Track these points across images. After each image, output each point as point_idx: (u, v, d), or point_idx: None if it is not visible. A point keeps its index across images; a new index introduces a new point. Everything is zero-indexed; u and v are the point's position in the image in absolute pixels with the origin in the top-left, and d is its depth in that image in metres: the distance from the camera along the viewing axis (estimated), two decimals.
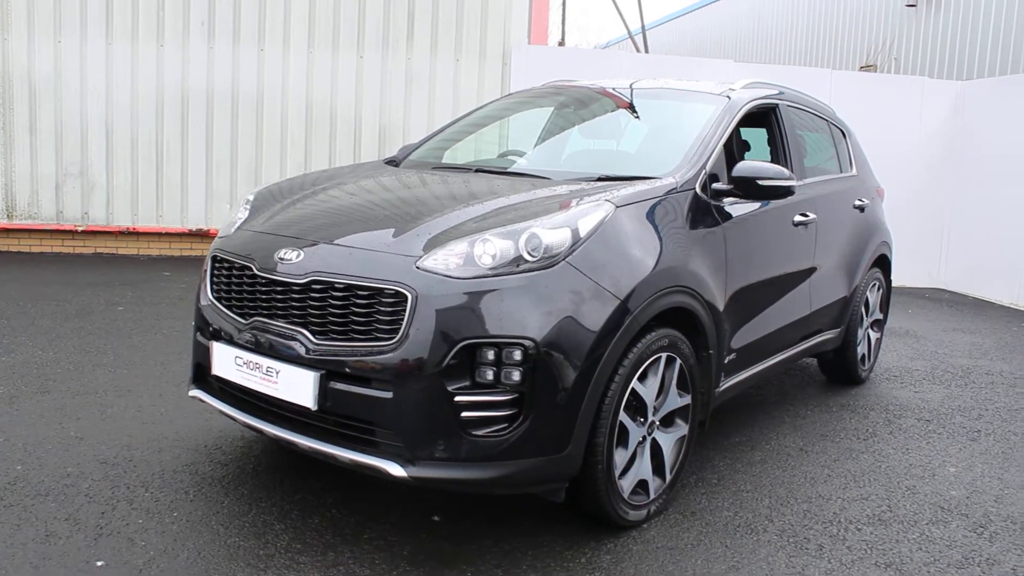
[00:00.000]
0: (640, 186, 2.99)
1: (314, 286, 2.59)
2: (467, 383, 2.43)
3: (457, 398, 2.41)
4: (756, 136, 4.20)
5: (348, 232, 2.77)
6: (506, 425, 2.45)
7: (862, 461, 3.68)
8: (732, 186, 3.27)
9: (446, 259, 2.51)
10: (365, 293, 2.51)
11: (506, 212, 2.75)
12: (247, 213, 3.23)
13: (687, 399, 3.04)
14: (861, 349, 4.85)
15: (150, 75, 8.10)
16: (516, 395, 2.44)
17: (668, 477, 3.01)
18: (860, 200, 4.67)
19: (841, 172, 4.67)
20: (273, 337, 2.66)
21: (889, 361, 5.62)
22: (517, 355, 2.43)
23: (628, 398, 2.73)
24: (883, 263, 5.00)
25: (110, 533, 2.67)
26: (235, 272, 2.86)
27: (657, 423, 2.92)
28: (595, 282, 2.57)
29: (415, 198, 3.11)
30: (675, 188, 3.07)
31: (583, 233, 2.63)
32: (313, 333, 2.58)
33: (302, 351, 2.57)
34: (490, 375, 2.43)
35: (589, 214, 2.69)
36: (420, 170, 3.64)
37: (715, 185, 3.24)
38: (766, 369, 3.78)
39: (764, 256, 3.58)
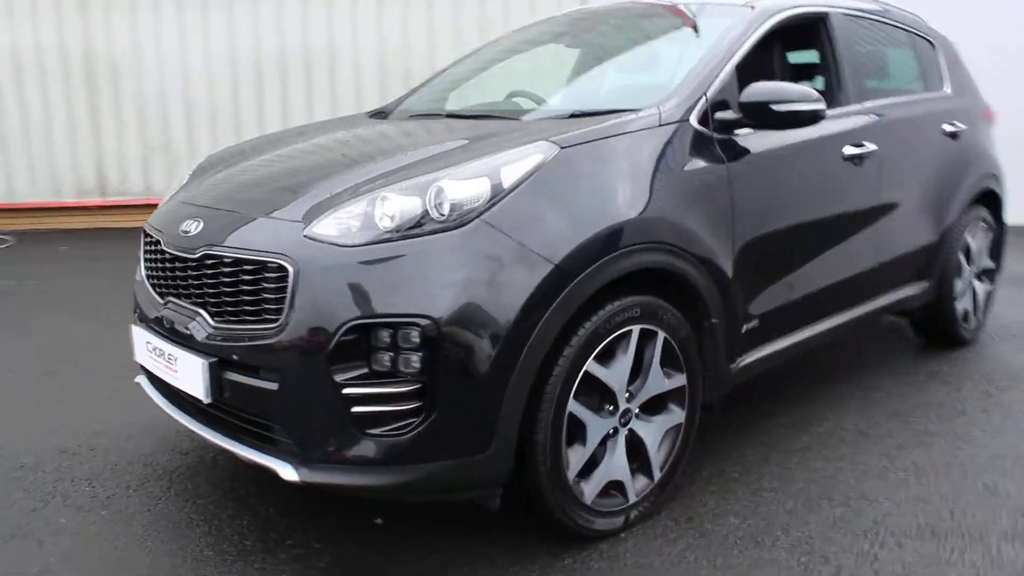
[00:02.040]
0: (608, 121, 2.44)
1: (206, 261, 2.24)
2: (362, 372, 2.01)
3: (346, 390, 2.00)
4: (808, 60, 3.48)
5: (253, 199, 2.40)
6: (407, 422, 2.02)
7: (935, 449, 2.98)
8: (741, 114, 2.64)
9: (339, 223, 2.09)
10: (251, 268, 2.14)
11: (428, 163, 2.28)
12: (186, 180, 2.93)
13: (680, 379, 2.49)
14: (963, 304, 4.03)
15: (222, 42, 8.05)
16: (416, 386, 2.00)
17: (657, 475, 2.48)
18: (953, 125, 3.82)
19: (927, 92, 3.83)
20: (176, 319, 2.34)
21: (1010, 316, 4.70)
22: (414, 337, 1.98)
23: (583, 383, 2.22)
24: (990, 200, 4.12)
25: (24, 535, 2.46)
26: (153, 247, 2.56)
27: (635, 411, 2.39)
28: (519, 243, 2.07)
29: (347, 156, 2.68)
30: (655, 122, 2.48)
31: (507, 183, 2.12)
32: (211, 315, 2.24)
33: (201, 335, 2.23)
34: (387, 362, 2.00)
35: (517, 160, 2.18)
36: (397, 121, 3.22)
37: (720, 115, 2.63)
38: (816, 336, 3.12)
39: (795, 198, 2.91)
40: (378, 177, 2.25)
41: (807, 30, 3.28)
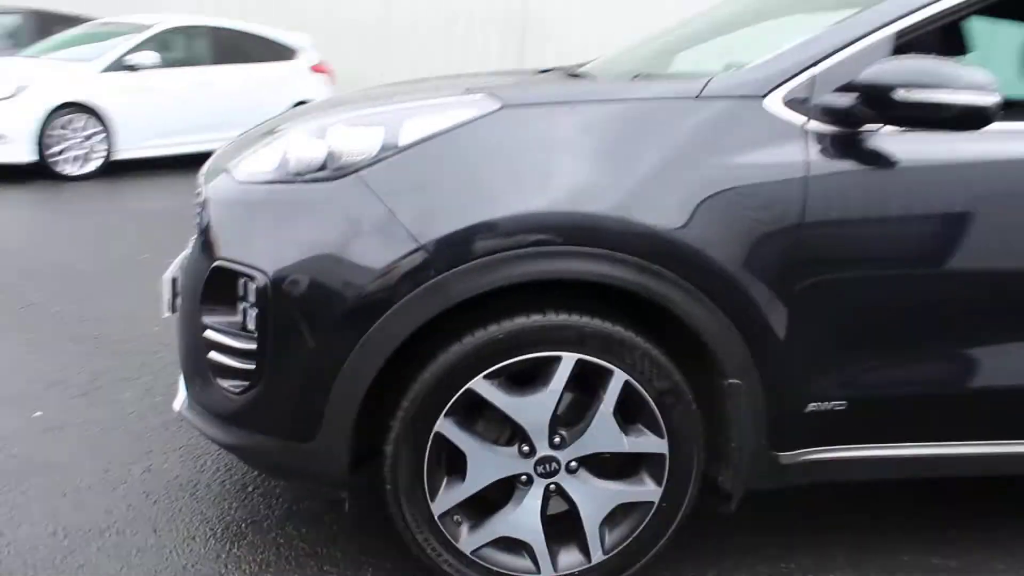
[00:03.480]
0: (634, 87, 1.85)
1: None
2: (224, 319, 1.88)
3: (207, 333, 1.89)
4: None
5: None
6: (243, 383, 1.83)
7: None
8: (858, 99, 1.76)
9: (259, 161, 1.95)
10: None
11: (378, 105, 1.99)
12: None
13: (656, 444, 1.82)
14: None
15: None
16: (253, 345, 1.79)
17: (597, 556, 1.87)
18: None
19: None
20: None
21: None
22: (252, 291, 1.78)
23: (470, 404, 1.76)
24: None
25: None
26: None
27: (566, 464, 1.82)
28: (389, 211, 1.70)
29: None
30: (691, 92, 1.80)
31: (404, 139, 1.75)
32: None
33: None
34: (240, 313, 1.84)
35: (430, 114, 1.78)
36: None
37: (829, 99, 1.79)
38: (962, 460, 1.99)
39: (957, 243, 1.85)
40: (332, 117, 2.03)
41: None
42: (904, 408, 1.92)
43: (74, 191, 6.98)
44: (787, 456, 1.90)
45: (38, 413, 2.72)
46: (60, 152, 7.29)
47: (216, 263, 1.85)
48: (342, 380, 1.72)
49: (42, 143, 7.14)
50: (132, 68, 7.73)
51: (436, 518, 1.81)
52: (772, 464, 1.89)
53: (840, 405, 1.88)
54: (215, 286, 1.87)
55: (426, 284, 1.67)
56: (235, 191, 1.91)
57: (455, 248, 1.67)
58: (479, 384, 1.74)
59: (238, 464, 2.40)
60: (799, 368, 1.83)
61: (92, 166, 7.51)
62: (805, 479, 1.95)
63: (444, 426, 1.76)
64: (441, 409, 1.75)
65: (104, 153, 7.57)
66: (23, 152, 7.08)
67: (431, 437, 1.76)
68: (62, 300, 3.91)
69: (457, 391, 1.74)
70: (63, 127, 7.28)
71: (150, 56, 7.77)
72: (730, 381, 1.80)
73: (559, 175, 1.73)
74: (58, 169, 7.31)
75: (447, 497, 1.81)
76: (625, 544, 1.88)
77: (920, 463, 1.99)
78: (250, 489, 2.31)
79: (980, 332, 1.90)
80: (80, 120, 7.39)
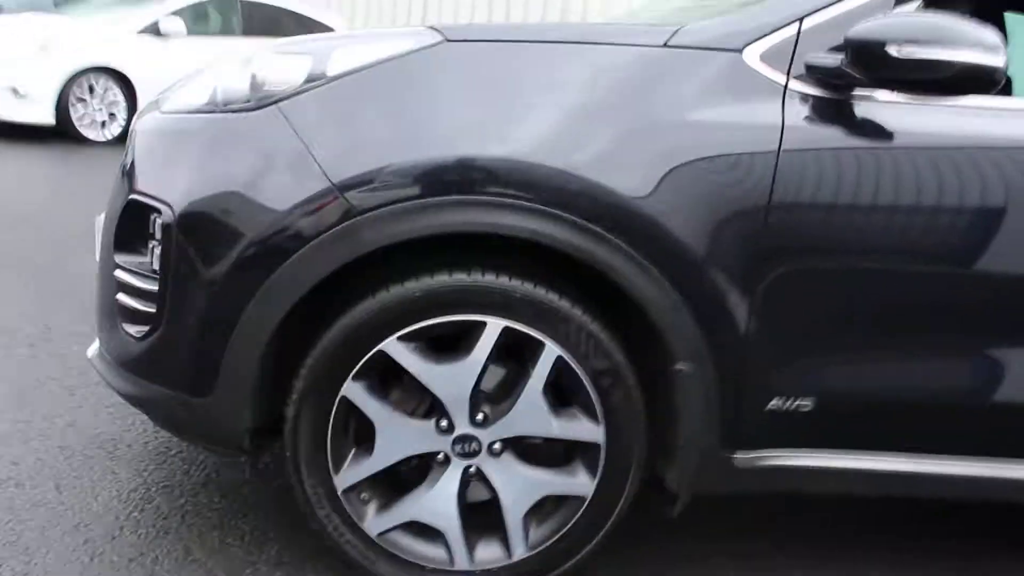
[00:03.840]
0: (594, 30, 1.67)
1: None
2: (140, 258, 1.73)
3: (117, 272, 1.74)
4: None
5: None
6: (144, 328, 1.67)
7: None
8: (847, 57, 1.54)
9: (189, 94, 1.78)
10: None
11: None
12: None
13: (591, 431, 1.62)
14: None
15: None
16: (157, 286, 1.63)
17: (520, 552, 1.67)
18: None
19: None
20: None
21: None
22: (158, 227, 1.62)
23: (382, 368, 1.59)
24: None
25: None
26: None
27: (488, 445, 1.63)
28: (305, 146, 1.52)
29: None
30: (656, 40, 1.60)
31: (332, 70, 1.57)
32: None
33: None
34: (147, 250, 1.69)
35: (365, 43, 1.60)
36: None
37: (811, 57, 1.58)
38: (953, 482, 1.74)
39: (955, 231, 1.62)
40: None
41: None
42: (883, 413, 1.69)
43: (92, 154, 6.94)
44: (742, 458, 1.68)
45: None
46: (82, 115, 7.27)
47: (130, 196, 1.70)
48: (241, 330, 1.55)
49: (63, 104, 7.12)
50: (161, 35, 7.69)
51: (340, 493, 1.63)
52: (725, 466, 1.68)
53: (806, 404, 1.66)
54: (129, 224, 1.72)
55: (335, 229, 1.50)
56: (158, 122, 1.75)
57: (371, 191, 1.49)
58: (392, 346, 1.56)
59: None
60: (760, 359, 1.62)
61: (113, 131, 7.47)
62: (762, 487, 1.73)
63: (351, 390, 1.58)
64: (349, 370, 1.57)
65: (126, 119, 7.53)
66: (43, 113, 7.07)
67: (336, 401, 1.58)
68: (48, 254, 3.81)
69: (367, 352, 1.56)
70: (88, 89, 7.26)
71: (178, 23, 7.71)
72: (679, 366, 1.59)
73: (496, 118, 1.54)
74: (80, 132, 7.28)
75: (353, 471, 1.63)
76: (551, 542, 1.68)
77: (898, 480, 1.75)
78: (172, 453, 2.16)
79: (980, 336, 1.67)
80: (105, 83, 7.36)
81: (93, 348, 1.89)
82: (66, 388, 2.46)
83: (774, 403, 1.65)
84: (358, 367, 1.56)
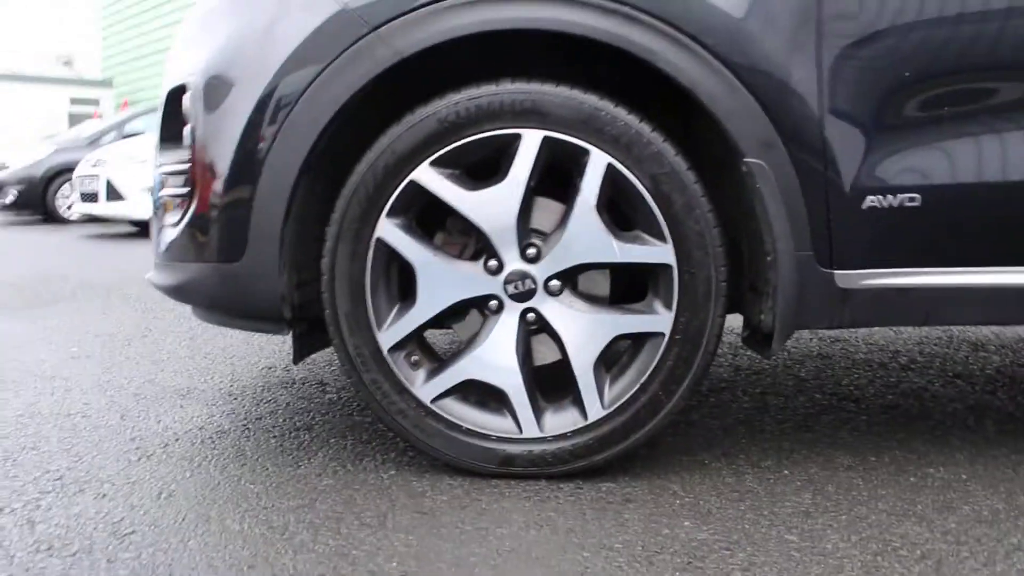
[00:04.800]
0: None
1: None
2: (182, 152, 1.69)
3: (160, 170, 1.71)
4: None
5: None
6: (181, 210, 1.61)
7: None
8: None
9: None
10: None
11: None
12: None
13: (661, 251, 1.41)
14: None
15: None
16: (188, 164, 1.58)
17: (597, 411, 1.45)
18: None
19: None
20: None
21: None
22: (186, 99, 1.58)
23: (417, 202, 1.45)
24: None
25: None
26: None
27: (544, 282, 1.45)
28: None
29: None
30: None
31: None
32: None
33: None
34: (185, 135, 1.65)
35: None
36: None
37: None
38: None
39: None
40: None
41: None
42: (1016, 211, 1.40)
43: None
44: (845, 276, 1.42)
45: (74, 348, 2.64)
46: None
47: (169, 88, 1.68)
48: (266, 180, 1.46)
49: None
50: None
51: (386, 352, 1.48)
52: (824, 288, 1.42)
53: (912, 199, 1.40)
54: (170, 118, 1.70)
55: (348, 50, 1.41)
56: (200, 11, 1.73)
57: (380, 3, 1.40)
58: (424, 173, 1.43)
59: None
60: (845, 144, 1.38)
61: None
62: (873, 318, 1.45)
63: (386, 229, 1.44)
64: (381, 207, 1.44)
65: None
66: None
67: (372, 243, 1.45)
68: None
69: (399, 183, 1.43)
70: None
71: None
72: (748, 160, 1.37)
73: None
74: None
75: (398, 327, 1.48)
76: (631, 394, 1.45)
77: None
78: (246, 395, 2.07)
79: None
80: None
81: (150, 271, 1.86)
82: (154, 362, 2.44)
83: (871, 201, 1.39)
84: (391, 201, 1.44)
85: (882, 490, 1.44)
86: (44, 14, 23.14)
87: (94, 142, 9.54)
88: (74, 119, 18.34)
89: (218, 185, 1.50)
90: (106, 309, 3.42)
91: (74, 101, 20.43)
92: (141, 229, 7.96)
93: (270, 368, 2.34)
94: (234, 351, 2.56)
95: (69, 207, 9.29)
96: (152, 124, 9.67)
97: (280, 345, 2.63)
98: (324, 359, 2.39)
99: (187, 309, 2.79)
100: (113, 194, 7.44)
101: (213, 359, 2.46)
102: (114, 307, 3.47)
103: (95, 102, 19.50)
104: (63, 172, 9.34)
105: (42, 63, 22.57)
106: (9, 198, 9.59)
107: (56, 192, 9.54)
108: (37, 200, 9.53)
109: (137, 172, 7.28)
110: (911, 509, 1.36)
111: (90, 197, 7.68)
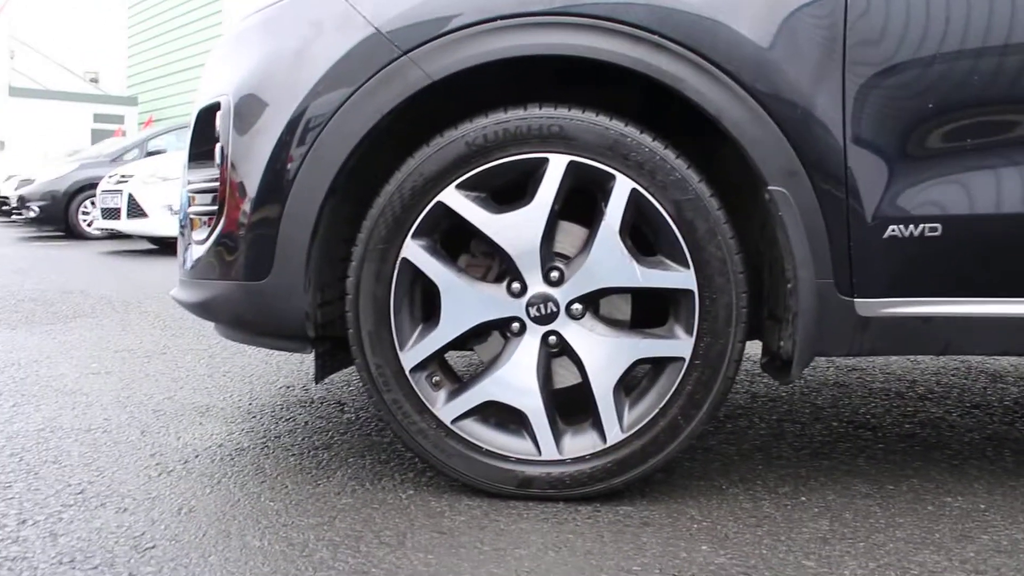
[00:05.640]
0: None
1: None
2: (211, 171, 1.72)
3: (189, 187, 1.74)
4: None
5: None
6: (208, 227, 1.64)
7: None
8: None
9: None
10: None
11: None
12: None
13: (681, 277, 1.42)
14: None
15: None
16: (217, 182, 1.61)
17: (616, 434, 1.46)
18: None
19: None
20: None
21: None
22: (218, 118, 1.61)
23: (444, 224, 1.47)
24: None
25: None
26: None
27: (566, 306, 1.46)
28: (349, 4, 1.49)
29: None
30: None
31: None
32: None
33: None
34: (215, 154, 1.68)
35: None
36: None
37: None
38: None
39: None
40: None
41: None
42: None
43: None
44: (865, 304, 1.42)
45: (94, 364, 2.67)
46: None
47: (201, 107, 1.71)
48: (294, 199, 1.48)
49: None
50: None
51: (408, 372, 1.49)
52: (844, 316, 1.42)
53: (933, 229, 1.40)
54: (201, 135, 1.73)
55: (379, 73, 1.43)
56: (234, 31, 1.77)
57: (413, 28, 1.43)
58: (451, 196, 1.45)
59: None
60: (868, 174, 1.39)
61: None
62: (892, 346, 1.45)
63: (412, 250, 1.46)
64: (408, 228, 1.46)
65: None
66: None
67: (397, 264, 1.47)
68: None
69: (425, 205, 1.45)
70: None
71: None
72: (771, 188, 1.39)
73: None
74: None
75: (420, 347, 1.49)
76: (650, 418, 1.45)
77: None
78: (265, 413, 2.08)
79: None
80: None
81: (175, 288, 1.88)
82: (173, 379, 2.47)
83: (892, 231, 1.40)
84: (417, 222, 1.46)
85: (900, 518, 1.44)
86: (73, 30, 23.48)
87: (117, 159, 9.67)
88: (97, 135, 18.61)
89: (247, 204, 1.53)
90: (125, 325, 3.45)
91: (97, 118, 20.72)
92: (160, 246, 8.05)
93: (288, 387, 2.36)
94: (252, 370, 2.59)
95: (89, 224, 9.40)
96: (175, 142, 9.84)
97: (298, 364, 2.65)
98: (342, 379, 2.41)
99: (206, 327, 2.82)
100: (135, 211, 7.53)
101: (232, 377, 2.49)
102: (133, 323, 3.51)
103: (119, 119, 19.78)
104: (86, 188, 9.45)
105: (68, 79, 22.90)
106: (32, 213, 9.73)
107: (78, 208, 9.66)
108: (59, 215, 9.64)
109: (160, 189, 7.37)
110: (929, 538, 1.36)
111: (112, 213, 7.77)
